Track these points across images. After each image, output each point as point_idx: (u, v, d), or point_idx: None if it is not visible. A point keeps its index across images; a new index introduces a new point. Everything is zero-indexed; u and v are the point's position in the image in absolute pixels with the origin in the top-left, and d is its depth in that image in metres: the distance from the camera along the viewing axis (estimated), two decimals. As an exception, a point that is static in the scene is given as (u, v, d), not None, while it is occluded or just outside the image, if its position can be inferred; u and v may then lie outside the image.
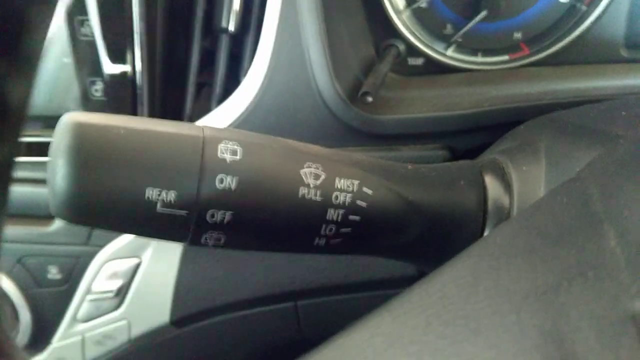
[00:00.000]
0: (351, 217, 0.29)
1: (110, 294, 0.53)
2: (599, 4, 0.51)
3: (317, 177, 0.29)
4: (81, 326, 0.54)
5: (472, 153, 0.46)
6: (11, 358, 0.16)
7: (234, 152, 0.27)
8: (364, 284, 0.54)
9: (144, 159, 0.26)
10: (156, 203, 0.26)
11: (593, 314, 0.15)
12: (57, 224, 0.53)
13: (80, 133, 0.25)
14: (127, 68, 0.51)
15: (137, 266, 0.53)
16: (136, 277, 0.53)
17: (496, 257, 0.19)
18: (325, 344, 0.19)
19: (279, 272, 0.53)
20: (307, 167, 0.28)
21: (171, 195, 0.26)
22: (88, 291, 0.53)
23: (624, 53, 0.53)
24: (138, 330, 0.55)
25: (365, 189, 0.29)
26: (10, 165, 0.16)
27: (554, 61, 0.54)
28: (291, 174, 0.28)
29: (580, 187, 0.23)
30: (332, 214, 0.29)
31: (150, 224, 0.26)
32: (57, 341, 0.55)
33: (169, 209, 0.26)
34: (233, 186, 0.27)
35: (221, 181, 0.27)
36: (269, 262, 0.53)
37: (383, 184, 0.30)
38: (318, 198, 0.28)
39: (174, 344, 0.56)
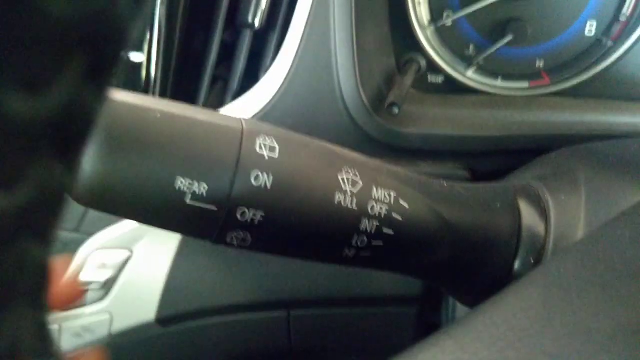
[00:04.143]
0: (385, 229, 0.27)
1: (96, 285, 0.51)
2: (625, 41, 0.51)
3: (354, 184, 0.27)
4: (60, 315, 0.52)
5: (492, 176, 0.45)
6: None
7: (272, 149, 0.26)
8: (360, 299, 0.53)
9: (178, 146, 0.24)
10: (186, 194, 0.24)
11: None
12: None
13: (114, 111, 0.23)
14: (142, 58, 0.49)
15: (128, 259, 0.50)
16: (125, 270, 0.51)
17: (565, 289, 0.18)
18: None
19: (275, 280, 0.52)
20: (345, 173, 0.27)
21: (203, 188, 0.24)
22: (72, 280, 0.50)
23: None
24: (120, 325, 0.52)
25: (402, 202, 0.28)
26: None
27: (574, 93, 0.53)
28: (329, 178, 0.26)
29: (642, 223, 0.22)
30: (366, 224, 0.27)
31: (178, 216, 0.24)
32: (34, 329, 0.52)
33: (199, 202, 0.24)
34: (269, 185, 0.25)
35: (257, 178, 0.25)
36: (265, 269, 0.51)
37: (419, 199, 0.29)
38: (354, 206, 0.27)
39: (157, 344, 0.53)
